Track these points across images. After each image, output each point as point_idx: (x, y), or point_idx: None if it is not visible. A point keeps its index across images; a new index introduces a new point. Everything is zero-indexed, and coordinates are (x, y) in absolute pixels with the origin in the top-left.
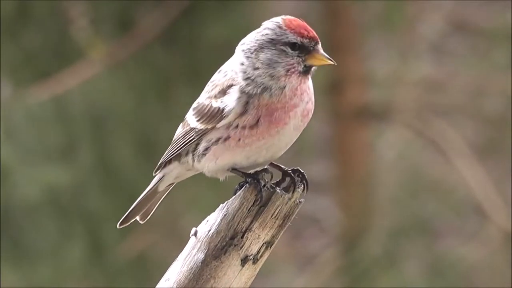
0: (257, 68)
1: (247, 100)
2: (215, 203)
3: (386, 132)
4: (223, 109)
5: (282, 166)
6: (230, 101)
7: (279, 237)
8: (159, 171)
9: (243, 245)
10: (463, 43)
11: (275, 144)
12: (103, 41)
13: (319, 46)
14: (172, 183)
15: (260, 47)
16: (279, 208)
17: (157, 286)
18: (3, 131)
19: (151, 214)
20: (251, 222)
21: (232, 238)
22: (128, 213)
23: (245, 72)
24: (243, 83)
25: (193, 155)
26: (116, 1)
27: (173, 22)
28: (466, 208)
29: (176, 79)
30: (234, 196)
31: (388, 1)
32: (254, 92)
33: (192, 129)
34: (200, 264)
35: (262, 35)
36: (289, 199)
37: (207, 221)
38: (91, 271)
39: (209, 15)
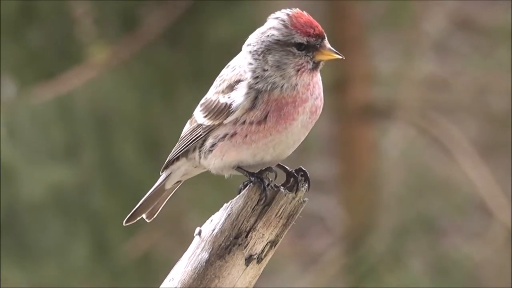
0: (266, 70)
1: (256, 95)
2: (220, 202)
3: (390, 130)
4: (231, 105)
5: (287, 168)
6: (238, 96)
7: (283, 236)
8: (166, 168)
9: (247, 245)
10: (467, 41)
11: (283, 141)
12: (106, 42)
13: (325, 41)
14: (179, 181)
15: (267, 49)
16: (283, 207)
17: (161, 286)
18: (7, 131)
19: (157, 212)
20: (255, 221)
21: (237, 237)
22: (135, 210)
23: (254, 72)
24: (251, 79)
25: (200, 151)
26: (120, 0)
27: (176, 21)
28: (471, 207)
29: (180, 78)
30: (238, 195)
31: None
32: (264, 88)
33: (199, 125)
34: (204, 263)
35: (268, 36)
36: (293, 198)
37: (211, 220)
38: (96, 270)
39: (213, 14)
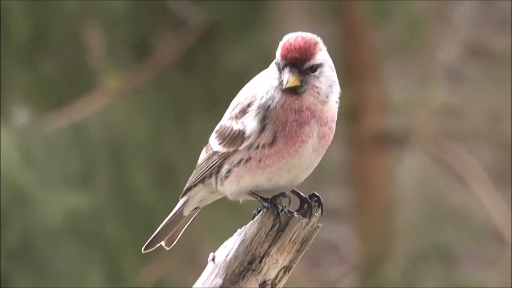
0: (269, 79)
1: (264, 115)
2: (233, 229)
3: (404, 158)
4: (244, 132)
5: (301, 194)
6: (249, 121)
7: (297, 262)
8: (184, 195)
9: (261, 270)
10: (481, 68)
11: (296, 165)
12: (119, 69)
13: (288, 68)
14: (197, 208)
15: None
16: (296, 232)
17: None
18: (22, 158)
19: (177, 239)
20: (269, 247)
21: (250, 263)
22: (153, 237)
23: (263, 85)
24: (259, 96)
25: (216, 178)
26: (133, 27)
27: (190, 48)
28: (485, 234)
29: (194, 106)
30: (252, 221)
31: (406, 26)
32: (267, 104)
33: (215, 152)
34: None
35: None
36: (307, 223)
37: (225, 246)
38: None
39: (226, 41)
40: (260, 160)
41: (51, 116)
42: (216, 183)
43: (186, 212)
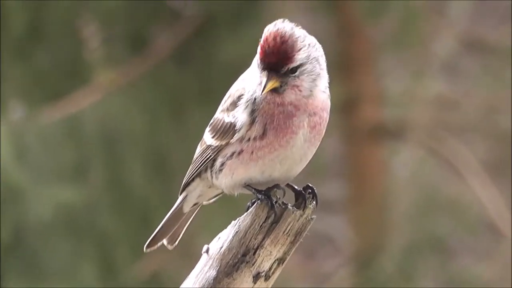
0: (252, 75)
1: (252, 108)
2: (227, 222)
3: (400, 151)
4: (235, 124)
5: (296, 187)
6: (239, 114)
7: (291, 253)
8: (183, 191)
9: (255, 262)
10: (476, 61)
11: (288, 156)
12: (112, 64)
13: (265, 72)
14: (197, 203)
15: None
16: (290, 224)
17: None
18: (16, 152)
19: (179, 238)
20: (263, 238)
21: (244, 255)
22: (154, 235)
23: (248, 78)
24: (247, 90)
25: (211, 171)
26: (128, 20)
27: (185, 40)
28: (480, 226)
29: (189, 98)
30: (246, 213)
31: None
32: (254, 97)
33: (208, 146)
34: (212, 281)
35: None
36: (301, 215)
37: (219, 238)
38: None
39: (222, 33)
40: (252, 152)
41: (46, 110)
42: (212, 177)
43: (186, 209)
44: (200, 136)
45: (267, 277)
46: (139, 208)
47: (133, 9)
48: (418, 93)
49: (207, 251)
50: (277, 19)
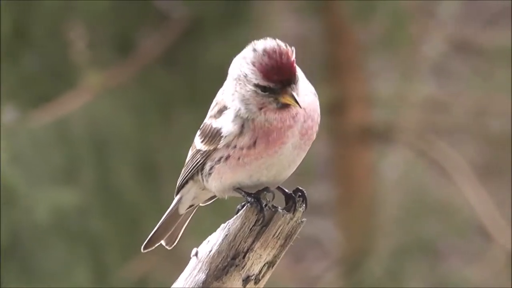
0: (235, 98)
1: (242, 123)
2: (218, 224)
3: (388, 153)
4: (221, 131)
5: (286, 190)
6: (226, 123)
7: (281, 257)
8: (178, 193)
9: (244, 265)
10: (466, 63)
11: (275, 163)
12: (99, 67)
13: (289, 87)
14: (192, 205)
15: (238, 78)
16: (281, 227)
17: None
18: (8, 155)
19: (178, 239)
20: (253, 242)
21: (234, 258)
22: (151, 236)
23: (233, 95)
24: (234, 106)
25: (201, 175)
26: (116, 23)
27: (173, 43)
28: (470, 229)
29: (177, 101)
30: (235, 216)
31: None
32: (246, 116)
33: (198, 151)
34: (201, 285)
35: (241, 65)
36: (291, 218)
37: (208, 241)
38: None
39: (210, 36)
40: (238, 158)
41: (35, 113)
42: (203, 180)
43: (182, 210)
44: (188, 139)
45: (257, 280)
46: (129, 211)
47: (120, 11)
48: (407, 95)
49: (196, 255)
50: (266, 21)
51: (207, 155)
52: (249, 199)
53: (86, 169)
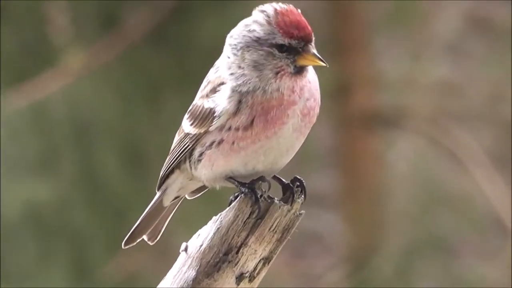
0: (242, 68)
1: (239, 98)
2: (210, 217)
3: (398, 141)
4: (215, 110)
5: (283, 180)
6: (221, 100)
7: (278, 252)
8: (162, 184)
9: (238, 261)
10: (483, 42)
11: (274, 147)
12: (81, 45)
13: (310, 45)
14: (178, 197)
15: (247, 45)
16: (277, 220)
17: None
18: None
19: (160, 233)
20: (247, 236)
21: (226, 253)
22: (133, 231)
23: (229, 69)
24: (233, 81)
25: (190, 162)
26: None
27: (162, 20)
28: (486, 224)
29: (166, 83)
30: (228, 208)
31: None
32: (246, 90)
33: (186, 134)
34: (191, 282)
35: (250, 31)
36: (289, 210)
37: (199, 235)
38: None
39: (202, 12)
40: (233, 143)
41: (9, 95)
42: (191, 168)
43: (166, 202)
44: (178, 124)
45: (251, 278)
46: (113, 203)
47: None
48: (418, 77)
49: (185, 250)
50: None
51: (196, 139)
52: (242, 189)
53: (66, 158)
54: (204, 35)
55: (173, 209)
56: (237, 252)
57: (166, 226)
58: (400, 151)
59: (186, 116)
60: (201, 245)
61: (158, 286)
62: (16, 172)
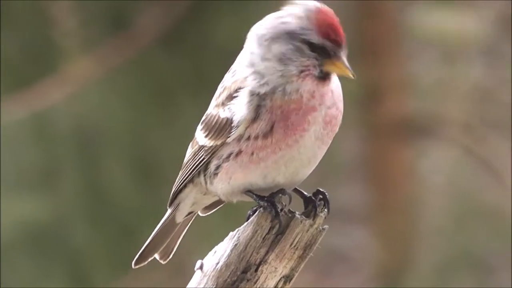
0: (267, 59)
1: (258, 103)
2: (226, 233)
3: (430, 150)
4: (232, 119)
5: (305, 192)
6: (239, 107)
7: (299, 270)
8: (174, 199)
9: (257, 280)
10: None
11: (295, 157)
12: (88, 50)
13: (342, 52)
14: (191, 212)
15: (276, 36)
16: (299, 236)
17: None
18: None
19: (173, 252)
20: (267, 252)
21: (245, 271)
22: (144, 249)
23: (251, 65)
24: (251, 81)
25: (205, 176)
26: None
27: (176, 21)
28: None
29: (180, 89)
30: (246, 223)
31: None
32: (264, 91)
33: (201, 147)
34: None
35: (283, 22)
36: (311, 225)
37: (215, 252)
38: None
39: (219, 13)
40: (252, 154)
41: (8, 104)
42: (206, 182)
43: (179, 219)
44: (193, 134)
45: None
46: (121, 220)
47: None
48: (452, 82)
49: (201, 267)
50: None
51: (212, 151)
52: (261, 203)
53: (69, 172)
54: (221, 37)
55: (186, 226)
56: (256, 270)
57: (179, 244)
58: (433, 162)
59: (200, 127)
60: (217, 263)
61: None
62: (13, 188)
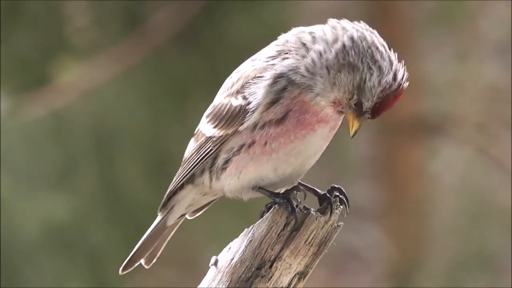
0: (330, 66)
1: (285, 85)
2: (240, 231)
3: (443, 149)
4: (248, 105)
5: (318, 190)
6: (258, 91)
7: (314, 267)
8: (167, 202)
9: (271, 276)
10: None
11: (302, 151)
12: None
13: (368, 118)
14: (183, 214)
15: (348, 67)
16: (313, 232)
17: None
18: None
19: (157, 256)
20: (281, 249)
21: (259, 268)
22: (133, 254)
23: (313, 63)
24: (285, 66)
25: (210, 172)
26: None
27: (191, 19)
28: None
29: (196, 87)
30: (261, 219)
31: None
32: (299, 80)
33: (208, 139)
34: None
35: (371, 61)
36: (326, 222)
37: (230, 248)
38: None
39: (235, 12)
40: (265, 144)
41: (27, 102)
42: (211, 179)
43: (171, 222)
44: None
45: None
46: (137, 218)
47: None
48: (465, 81)
49: (215, 264)
50: None
51: (221, 142)
52: (277, 199)
53: (88, 170)
54: (235, 34)
55: (174, 229)
56: (270, 267)
57: (191, 242)
58: (446, 161)
59: (205, 120)
60: (232, 259)
61: None
62: (34, 188)
